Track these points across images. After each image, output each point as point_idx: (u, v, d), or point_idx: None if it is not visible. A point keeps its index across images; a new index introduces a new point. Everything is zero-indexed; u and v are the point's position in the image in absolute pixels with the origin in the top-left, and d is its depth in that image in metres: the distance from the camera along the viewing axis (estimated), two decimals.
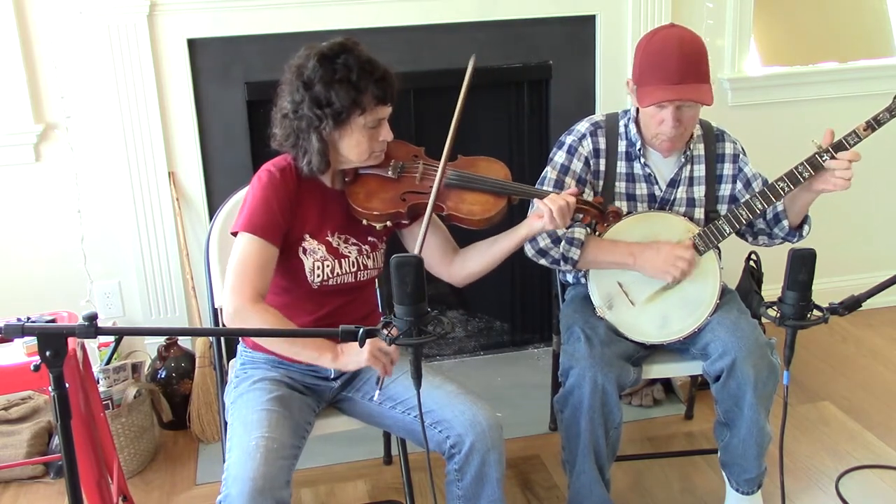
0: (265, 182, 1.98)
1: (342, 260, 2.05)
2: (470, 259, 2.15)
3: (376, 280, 2.23)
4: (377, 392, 1.95)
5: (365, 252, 2.09)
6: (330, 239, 2.05)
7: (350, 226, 2.08)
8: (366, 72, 1.92)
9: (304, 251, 2.02)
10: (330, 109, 1.92)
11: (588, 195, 2.29)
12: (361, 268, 2.09)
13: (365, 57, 1.95)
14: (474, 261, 2.15)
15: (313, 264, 2.02)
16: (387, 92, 1.95)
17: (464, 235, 2.19)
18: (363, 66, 1.92)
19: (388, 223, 2.07)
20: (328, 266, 2.03)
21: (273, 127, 2.02)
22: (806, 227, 2.32)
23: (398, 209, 2.04)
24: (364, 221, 2.06)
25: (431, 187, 2.01)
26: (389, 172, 2.06)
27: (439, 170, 2.02)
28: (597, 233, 2.25)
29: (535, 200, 2.08)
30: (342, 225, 2.07)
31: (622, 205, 2.33)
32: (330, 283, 2.05)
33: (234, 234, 1.98)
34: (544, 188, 2.31)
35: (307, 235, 2.02)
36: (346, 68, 1.91)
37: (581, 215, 2.13)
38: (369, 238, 2.11)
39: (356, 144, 1.98)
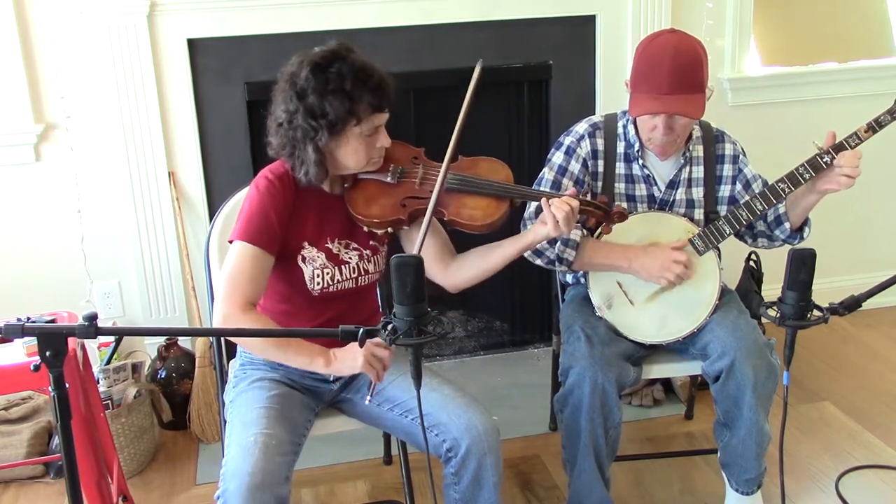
0: (263, 190, 1.94)
1: (342, 266, 2.03)
2: (468, 264, 2.09)
3: (377, 282, 2.21)
4: (368, 398, 1.95)
5: (366, 257, 2.07)
6: (330, 246, 2.02)
7: (351, 231, 2.05)
8: (360, 80, 1.86)
9: (304, 259, 1.99)
10: (324, 120, 1.87)
11: (589, 195, 2.22)
12: (362, 273, 2.06)
13: (359, 64, 1.88)
14: (472, 266, 2.08)
15: (313, 272, 2.00)
16: (382, 99, 1.90)
17: (462, 240, 2.16)
18: (357, 74, 1.87)
19: (389, 230, 2.04)
20: (328, 273, 2.01)
21: (268, 135, 1.98)
22: (806, 230, 2.31)
23: (398, 216, 2.00)
24: (365, 228, 2.03)
25: (432, 192, 1.97)
26: (389, 178, 2.02)
27: (440, 175, 1.97)
28: (602, 234, 2.18)
29: (541, 204, 1.99)
30: (342, 231, 2.04)
31: (622, 206, 2.33)
32: (330, 289, 2.02)
33: (231, 242, 1.94)
34: (542, 189, 2.31)
35: (306, 243, 2.00)
36: (340, 77, 1.86)
37: (585, 217, 2.07)
38: (370, 242, 2.08)
39: (353, 153, 1.94)
